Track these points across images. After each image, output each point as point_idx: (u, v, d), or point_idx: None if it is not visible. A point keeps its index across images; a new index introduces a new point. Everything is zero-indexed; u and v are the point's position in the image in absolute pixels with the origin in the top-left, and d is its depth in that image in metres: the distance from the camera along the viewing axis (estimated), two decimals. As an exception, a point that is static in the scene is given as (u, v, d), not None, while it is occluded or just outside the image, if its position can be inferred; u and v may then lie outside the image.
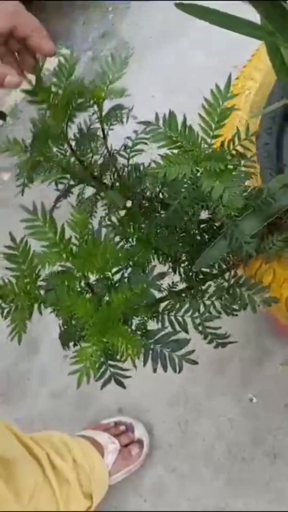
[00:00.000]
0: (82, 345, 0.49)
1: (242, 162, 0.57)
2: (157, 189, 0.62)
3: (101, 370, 0.55)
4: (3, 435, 0.99)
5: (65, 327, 0.58)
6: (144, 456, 1.20)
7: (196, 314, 0.60)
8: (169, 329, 0.59)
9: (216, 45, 1.52)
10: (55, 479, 1.02)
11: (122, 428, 1.23)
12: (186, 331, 0.59)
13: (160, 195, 0.64)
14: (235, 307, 0.62)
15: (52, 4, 1.82)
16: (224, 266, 0.64)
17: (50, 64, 1.04)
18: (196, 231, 0.62)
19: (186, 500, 1.16)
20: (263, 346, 1.21)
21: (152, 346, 0.56)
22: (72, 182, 0.67)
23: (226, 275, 0.63)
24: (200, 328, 0.59)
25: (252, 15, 0.59)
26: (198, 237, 0.62)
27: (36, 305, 0.54)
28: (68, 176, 0.66)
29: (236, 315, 0.62)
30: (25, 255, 0.52)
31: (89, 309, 0.49)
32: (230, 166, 0.52)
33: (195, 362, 0.57)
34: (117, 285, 0.54)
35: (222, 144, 0.55)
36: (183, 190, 0.57)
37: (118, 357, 0.52)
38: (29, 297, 0.53)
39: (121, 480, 1.20)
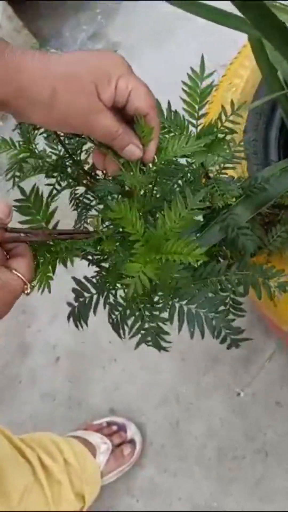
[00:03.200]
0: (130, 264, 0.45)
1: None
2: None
3: (138, 324, 0.53)
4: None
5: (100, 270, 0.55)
6: (137, 456, 1.20)
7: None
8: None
9: (205, 45, 1.52)
10: (46, 480, 1.01)
11: (114, 428, 1.22)
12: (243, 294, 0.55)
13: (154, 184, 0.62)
14: (240, 301, 0.57)
15: (43, 4, 1.83)
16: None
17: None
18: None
19: (178, 500, 1.16)
20: (253, 344, 1.21)
21: (185, 307, 0.52)
22: (60, 180, 0.66)
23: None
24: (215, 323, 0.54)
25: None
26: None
27: (58, 259, 0.52)
28: (56, 174, 0.65)
29: (243, 315, 0.58)
30: (39, 204, 0.50)
31: (139, 226, 0.47)
32: (220, 136, 0.53)
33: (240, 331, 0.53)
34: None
35: (209, 124, 0.56)
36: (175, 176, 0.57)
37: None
38: (49, 249, 0.51)
39: (114, 481, 1.19)
